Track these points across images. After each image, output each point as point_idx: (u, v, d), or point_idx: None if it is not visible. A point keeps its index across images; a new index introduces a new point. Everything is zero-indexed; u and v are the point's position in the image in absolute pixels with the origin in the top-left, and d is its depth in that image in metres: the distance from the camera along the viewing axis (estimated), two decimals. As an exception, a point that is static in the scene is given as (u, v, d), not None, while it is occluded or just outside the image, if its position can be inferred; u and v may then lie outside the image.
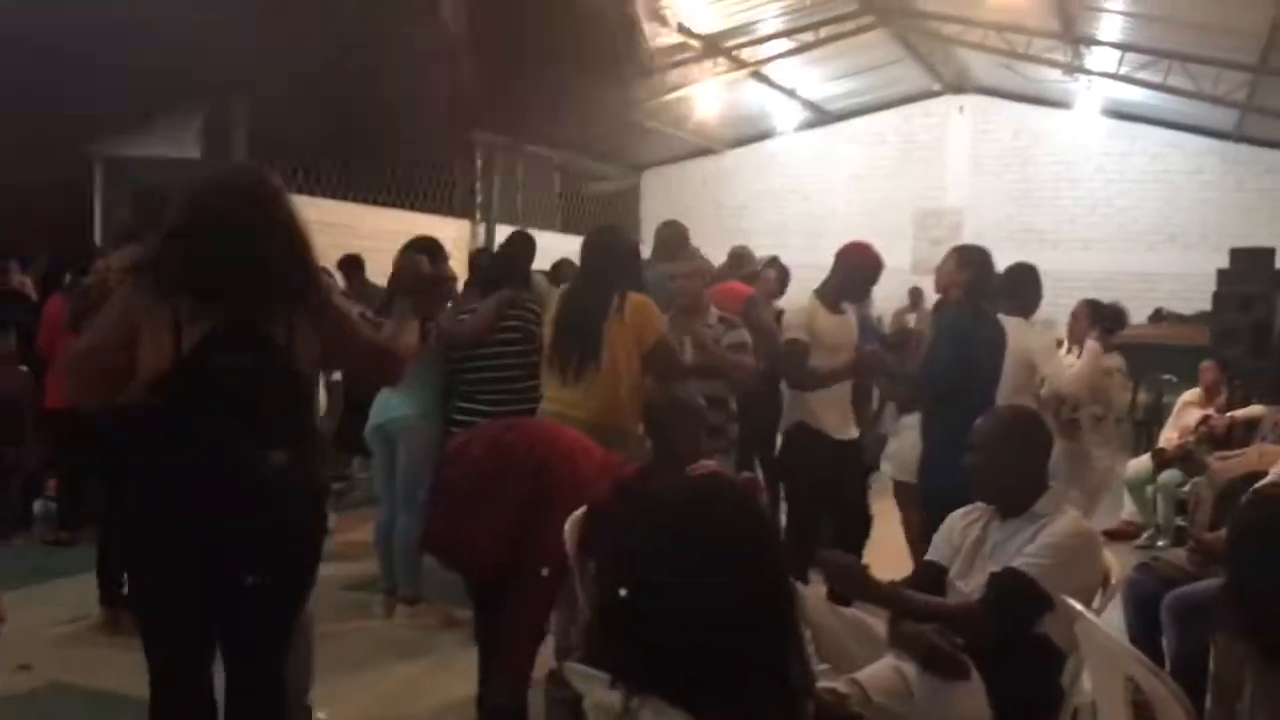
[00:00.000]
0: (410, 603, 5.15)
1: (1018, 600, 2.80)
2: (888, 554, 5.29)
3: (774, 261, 7.21)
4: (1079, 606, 2.58)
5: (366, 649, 4.83)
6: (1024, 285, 5.43)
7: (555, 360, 4.36)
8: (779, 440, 5.57)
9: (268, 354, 2.58)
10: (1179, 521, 7.00)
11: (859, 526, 5.28)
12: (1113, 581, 3.04)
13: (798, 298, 5.48)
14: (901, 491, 5.46)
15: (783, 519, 5.48)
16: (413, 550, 4.84)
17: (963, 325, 4.68)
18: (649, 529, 1.82)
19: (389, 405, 5.11)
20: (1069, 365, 5.94)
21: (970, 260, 4.75)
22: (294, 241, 2.67)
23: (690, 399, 3.73)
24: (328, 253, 9.21)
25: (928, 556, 3.22)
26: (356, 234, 10.03)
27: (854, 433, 5.33)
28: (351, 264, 8.13)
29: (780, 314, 6.05)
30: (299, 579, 2.75)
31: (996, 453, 3.07)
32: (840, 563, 2.97)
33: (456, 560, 3.78)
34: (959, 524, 3.18)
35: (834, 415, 5.14)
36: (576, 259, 6.45)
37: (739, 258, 6.89)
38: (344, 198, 10.53)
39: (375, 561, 5.37)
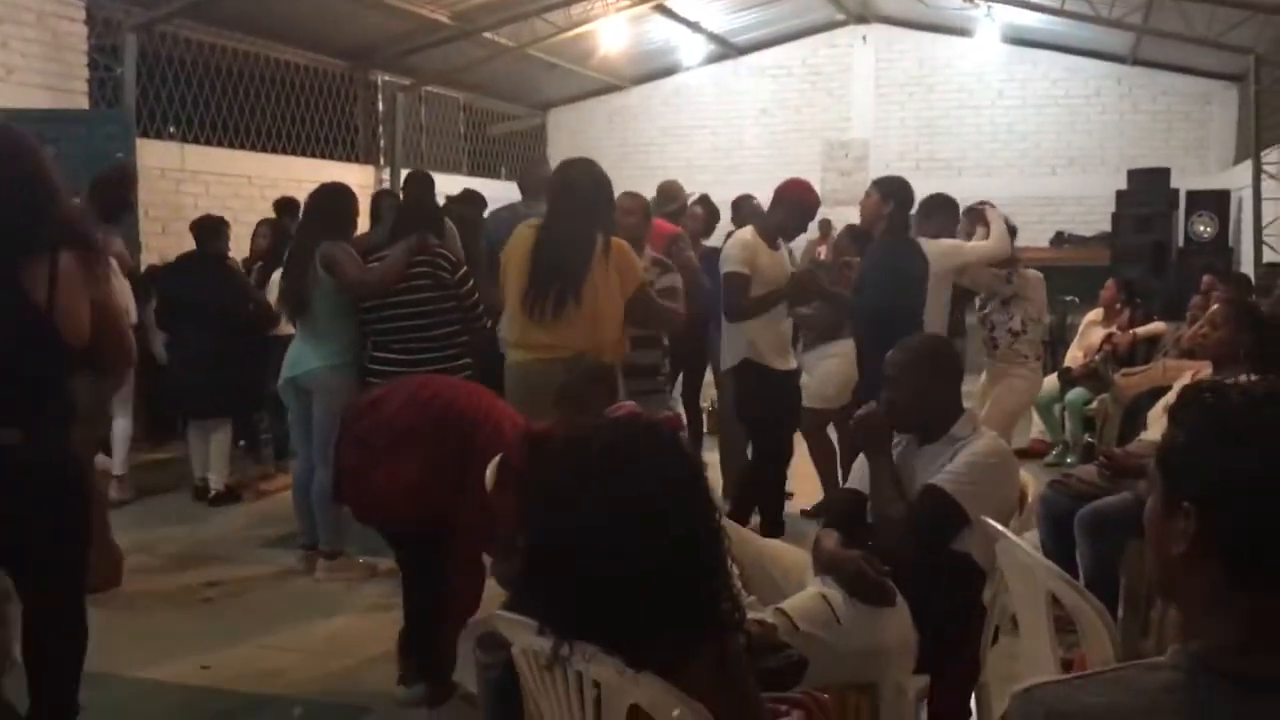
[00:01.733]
0: (330, 556, 5.09)
1: (937, 516, 2.84)
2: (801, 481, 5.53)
3: (703, 199, 6.94)
4: (999, 526, 2.62)
5: (289, 606, 4.77)
6: (938, 210, 5.50)
7: (529, 296, 4.12)
8: (724, 379, 5.65)
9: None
10: (1087, 438, 7.19)
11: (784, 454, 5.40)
12: (1030, 500, 3.10)
13: (738, 232, 5.49)
14: (813, 419, 5.60)
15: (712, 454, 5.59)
16: (331, 503, 4.76)
17: (897, 260, 4.87)
18: (572, 472, 1.79)
19: (301, 358, 5.00)
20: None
21: (893, 193, 4.95)
22: (36, 200, 2.52)
23: (607, 373, 3.69)
24: (226, 202, 9.03)
25: (848, 484, 3.25)
26: (255, 183, 9.74)
27: (793, 363, 5.45)
28: (285, 207, 7.95)
29: (706, 254, 6.03)
30: (43, 562, 2.63)
31: (909, 381, 3.07)
32: (871, 417, 3.06)
33: (372, 512, 3.73)
34: (879, 451, 3.20)
35: (774, 348, 5.26)
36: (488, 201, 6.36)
37: (667, 193, 6.47)
38: (241, 146, 10.19)
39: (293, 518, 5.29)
